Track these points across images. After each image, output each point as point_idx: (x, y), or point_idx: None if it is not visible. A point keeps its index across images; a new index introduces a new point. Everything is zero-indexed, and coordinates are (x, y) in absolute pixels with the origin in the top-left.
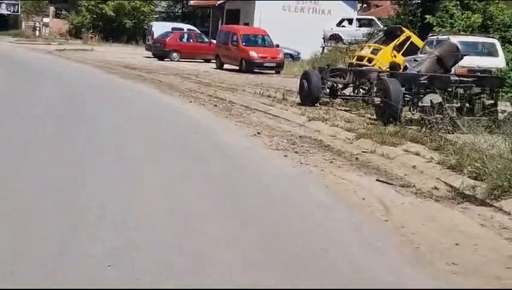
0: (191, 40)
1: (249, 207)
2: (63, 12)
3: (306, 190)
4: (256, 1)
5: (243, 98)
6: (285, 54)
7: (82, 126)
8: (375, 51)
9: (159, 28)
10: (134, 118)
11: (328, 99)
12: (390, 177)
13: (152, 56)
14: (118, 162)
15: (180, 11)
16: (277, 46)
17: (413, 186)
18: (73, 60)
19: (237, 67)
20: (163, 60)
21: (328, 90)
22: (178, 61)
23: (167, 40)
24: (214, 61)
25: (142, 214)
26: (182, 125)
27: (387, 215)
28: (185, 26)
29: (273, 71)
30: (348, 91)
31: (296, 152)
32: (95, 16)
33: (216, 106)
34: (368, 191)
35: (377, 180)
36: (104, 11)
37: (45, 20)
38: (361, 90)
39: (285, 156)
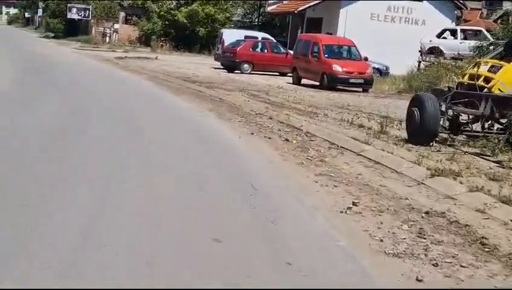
0: (266, 50)
1: None
2: (133, 18)
3: None
4: (341, 9)
5: (325, 127)
6: (372, 68)
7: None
8: (494, 69)
9: (230, 36)
10: (152, 172)
11: (447, 136)
12: None
13: (221, 67)
14: None
15: (257, 19)
16: (365, 59)
17: None
18: (127, 70)
19: (317, 83)
20: (232, 72)
21: (447, 123)
22: (249, 73)
23: (238, 49)
24: (290, 75)
25: None
26: (228, 188)
27: None
28: (260, 35)
29: (360, 89)
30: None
31: (435, 264)
32: (166, 23)
33: (287, 140)
34: None
35: None
36: (176, 18)
37: (116, 26)
38: (496, 124)
39: (418, 280)
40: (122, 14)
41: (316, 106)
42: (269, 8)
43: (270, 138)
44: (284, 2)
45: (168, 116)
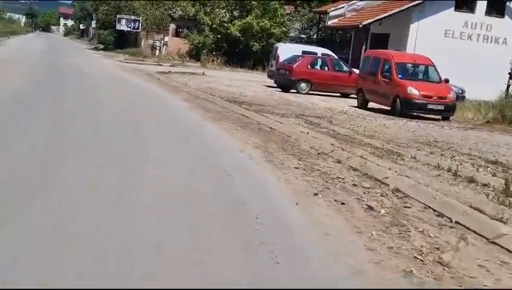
0: (326, 68)
1: None
2: (184, 31)
3: None
4: (412, 24)
5: (420, 181)
6: None
7: None
8: None
9: (286, 51)
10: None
11: None
12: None
13: (274, 85)
14: None
15: (315, 35)
16: (446, 81)
17: None
18: (166, 87)
19: (388, 108)
20: (287, 92)
21: None
22: (307, 94)
23: (295, 66)
24: (354, 96)
25: None
26: None
27: None
28: (319, 50)
29: (439, 116)
30: None
31: None
32: (218, 37)
33: (371, 208)
34: None
35: None
36: (229, 31)
37: (166, 38)
38: None
39: None
40: (172, 26)
41: (395, 141)
42: (330, 22)
43: (343, 204)
44: (347, 15)
45: (193, 161)
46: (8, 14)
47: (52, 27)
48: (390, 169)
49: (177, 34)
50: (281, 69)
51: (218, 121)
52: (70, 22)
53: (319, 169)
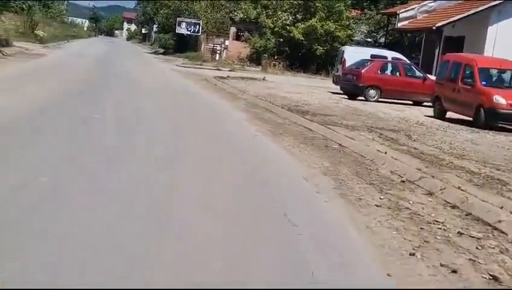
0: (397, 73)
1: None
2: (245, 34)
3: None
4: (490, 26)
5: None
6: None
7: None
8: None
9: (353, 54)
10: None
11: None
12: None
13: (340, 92)
14: None
15: (383, 38)
16: None
17: None
18: (222, 93)
19: (469, 119)
20: (354, 99)
21: None
22: (376, 101)
23: (363, 71)
24: (428, 104)
25: None
26: None
27: None
28: (389, 54)
29: None
30: None
31: None
32: (280, 40)
33: (494, 278)
34: None
35: None
36: (292, 34)
37: (227, 42)
38: None
39: None
40: (232, 30)
41: (491, 162)
42: (400, 24)
43: (455, 272)
44: (418, 17)
45: (240, 199)
46: (71, 18)
47: (116, 31)
48: (501, 208)
49: (237, 37)
50: (348, 74)
51: (277, 136)
52: (133, 27)
53: (407, 207)
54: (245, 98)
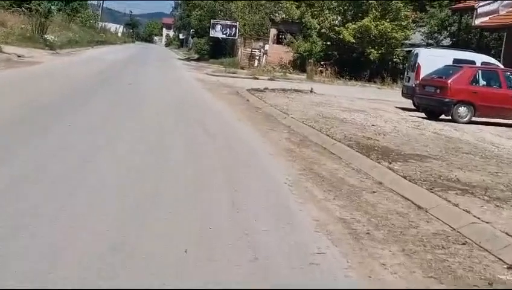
0: (496, 85)
1: None
2: (287, 36)
3: None
4: None
5: None
6: None
7: None
8: None
9: (430, 59)
10: None
11: None
12: None
13: (414, 108)
14: None
15: (448, 38)
16: None
17: None
18: (254, 114)
19: None
20: (437, 119)
21: None
22: (468, 122)
23: (450, 81)
24: None
25: None
26: None
27: None
28: (478, 58)
29: None
30: None
31: None
32: (328, 43)
33: None
34: None
35: None
36: (341, 36)
37: (266, 46)
38: None
39: None
40: (273, 32)
41: None
42: (478, 21)
43: None
44: (501, 12)
45: None
46: (102, 23)
47: (155, 37)
48: None
49: (278, 40)
50: (427, 85)
51: (359, 239)
52: (172, 32)
53: None
54: (288, 125)
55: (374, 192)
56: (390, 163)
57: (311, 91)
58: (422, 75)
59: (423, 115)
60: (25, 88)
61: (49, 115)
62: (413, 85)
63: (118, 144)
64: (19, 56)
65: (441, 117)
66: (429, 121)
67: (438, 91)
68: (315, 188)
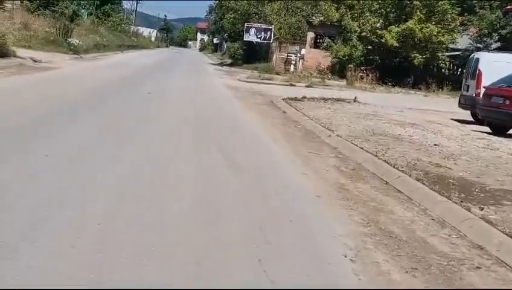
0: None
1: None
2: (325, 40)
3: None
4: None
5: None
6: None
7: None
8: None
9: (494, 65)
10: None
11: None
12: None
13: (473, 120)
14: None
15: (499, 41)
16: None
17: None
18: (291, 130)
19: None
20: (505, 135)
21: None
22: None
23: None
24: None
25: None
26: None
27: None
28: None
29: None
30: None
31: None
32: (369, 48)
33: None
34: None
35: None
36: (383, 40)
37: (303, 51)
38: None
39: None
40: (310, 35)
41: None
42: None
43: None
44: None
45: None
46: (134, 27)
47: (189, 42)
48: None
49: (316, 44)
50: (494, 95)
51: None
52: (206, 37)
53: None
54: (334, 146)
55: (477, 268)
56: (481, 209)
57: (354, 100)
58: (484, 83)
59: (487, 129)
60: (16, 98)
61: (17, 138)
62: (474, 95)
63: (93, 192)
64: (34, 61)
65: (509, 132)
66: (498, 138)
67: (507, 102)
68: (391, 265)
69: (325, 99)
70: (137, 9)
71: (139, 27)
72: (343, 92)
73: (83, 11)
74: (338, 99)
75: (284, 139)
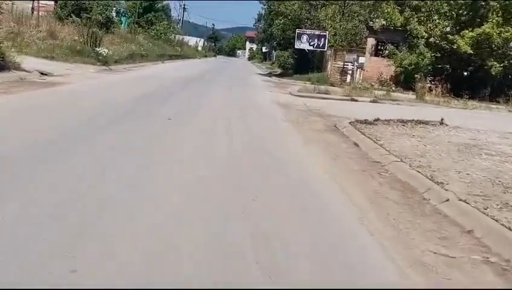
0: None
1: None
2: (387, 47)
3: None
4: None
5: None
6: None
7: None
8: None
9: None
10: None
11: None
12: None
13: None
14: None
15: None
16: None
17: None
18: (380, 181)
19: None
20: None
21: None
22: None
23: None
24: None
25: None
26: None
27: None
28: None
29: None
30: None
31: None
32: (438, 55)
33: None
34: None
35: None
36: (456, 46)
37: (362, 59)
38: None
39: None
40: (371, 42)
41: None
42: None
43: None
44: None
45: None
46: (180, 36)
47: (238, 51)
48: None
49: (376, 52)
50: None
51: None
52: (255, 46)
53: None
54: (462, 224)
55: None
56: None
57: (441, 123)
58: None
59: None
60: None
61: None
62: None
63: None
64: (42, 74)
65: None
66: None
67: None
68: None
69: (403, 122)
70: (186, 19)
71: (185, 36)
72: (415, 108)
73: (123, 18)
74: (420, 122)
75: (373, 211)
